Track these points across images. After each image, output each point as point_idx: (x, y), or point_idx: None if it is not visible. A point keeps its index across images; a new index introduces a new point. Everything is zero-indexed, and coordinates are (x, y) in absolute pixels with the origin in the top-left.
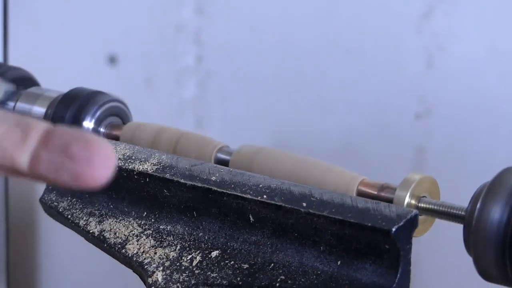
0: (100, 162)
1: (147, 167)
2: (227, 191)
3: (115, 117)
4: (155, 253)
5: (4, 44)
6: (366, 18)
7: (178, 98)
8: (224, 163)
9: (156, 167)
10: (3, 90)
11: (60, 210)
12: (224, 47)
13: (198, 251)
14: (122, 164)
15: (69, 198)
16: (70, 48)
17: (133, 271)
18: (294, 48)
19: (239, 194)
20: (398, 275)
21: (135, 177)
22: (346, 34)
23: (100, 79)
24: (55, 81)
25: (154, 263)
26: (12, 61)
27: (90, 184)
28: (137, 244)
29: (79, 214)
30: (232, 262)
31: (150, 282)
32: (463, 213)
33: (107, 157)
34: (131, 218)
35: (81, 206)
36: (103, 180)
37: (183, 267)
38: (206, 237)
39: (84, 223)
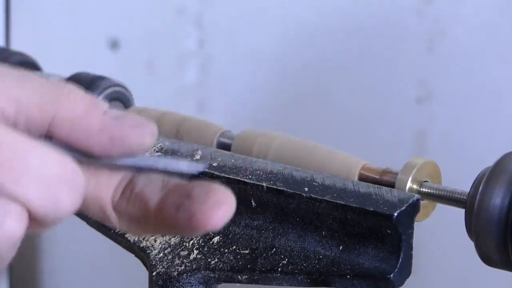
0: (216, 203)
1: (150, 151)
2: (229, 176)
3: (117, 102)
4: (156, 239)
5: (6, 29)
6: (368, 1)
7: (179, 82)
8: (226, 147)
9: (158, 152)
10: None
11: None
12: (226, 31)
13: (199, 237)
14: None
15: None
16: (72, 32)
17: (136, 256)
18: (295, 32)
19: (241, 179)
20: (400, 259)
21: None
22: (348, 17)
23: (101, 64)
24: (57, 66)
25: (155, 249)
26: (14, 46)
27: (205, 224)
28: None
29: None
30: (234, 247)
31: (152, 268)
32: (464, 197)
33: (224, 200)
34: None
35: None
36: (218, 221)
37: (184, 253)
38: None
39: None
